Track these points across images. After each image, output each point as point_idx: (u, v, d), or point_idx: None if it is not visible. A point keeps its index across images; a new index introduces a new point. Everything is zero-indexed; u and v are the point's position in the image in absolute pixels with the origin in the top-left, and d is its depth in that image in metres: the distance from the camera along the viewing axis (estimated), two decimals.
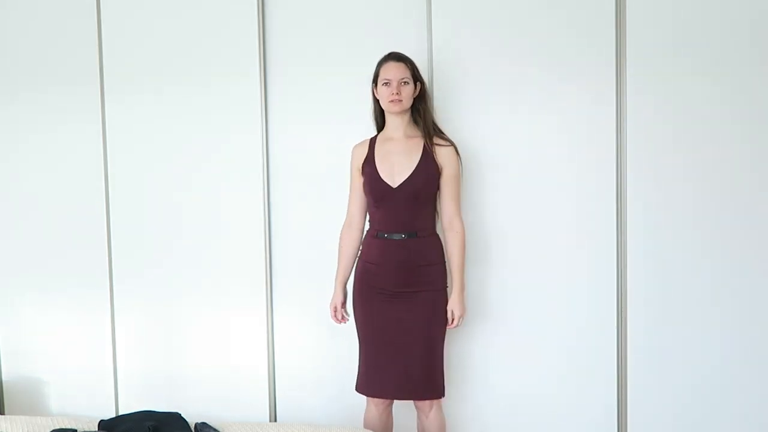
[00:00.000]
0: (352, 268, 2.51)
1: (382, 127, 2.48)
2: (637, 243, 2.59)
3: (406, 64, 2.38)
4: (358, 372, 2.47)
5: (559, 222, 2.63)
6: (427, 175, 2.37)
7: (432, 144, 2.39)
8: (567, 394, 2.67)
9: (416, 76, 2.40)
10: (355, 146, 2.50)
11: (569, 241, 2.63)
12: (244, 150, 2.79)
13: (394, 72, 2.35)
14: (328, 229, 2.74)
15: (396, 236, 2.37)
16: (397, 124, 2.42)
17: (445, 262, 2.44)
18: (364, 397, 2.48)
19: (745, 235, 2.55)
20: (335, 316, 2.54)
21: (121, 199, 2.90)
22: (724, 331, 2.58)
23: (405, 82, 2.35)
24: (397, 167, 2.37)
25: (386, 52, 2.42)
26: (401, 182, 2.35)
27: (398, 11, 2.67)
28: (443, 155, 2.39)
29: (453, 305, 2.40)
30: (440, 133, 2.44)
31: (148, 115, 2.86)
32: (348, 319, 2.54)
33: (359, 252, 2.50)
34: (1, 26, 2.94)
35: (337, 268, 2.54)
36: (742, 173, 2.54)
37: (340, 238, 2.53)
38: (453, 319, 2.40)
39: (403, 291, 2.36)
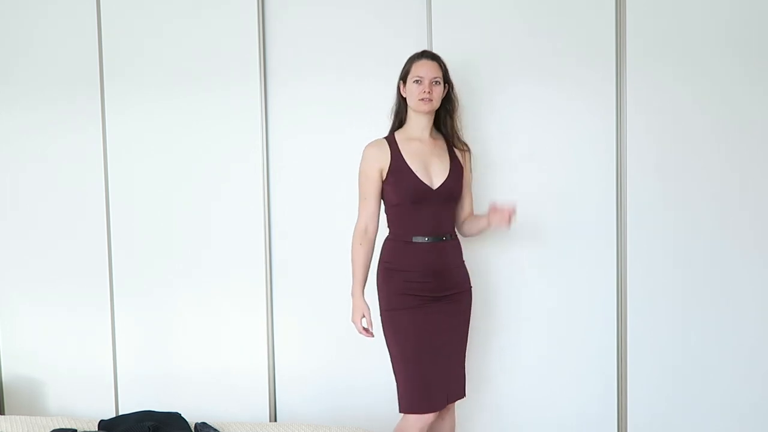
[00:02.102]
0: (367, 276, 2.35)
1: (398, 126, 2.36)
2: (637, 245, 2.60)
3: (439, 64, 2.29)
4: (403, 390, 2.25)
5: (559, 224, 2.64)
6: (459, 177, 2.32)
7: (458, 148, 2.35)
8: (567, 393, 2.68)
9: (446, 78, 2.32)
10: (370, 147, 2.31)
11: (569, 242, 2.64)
12: (245, 151, 2.79)
13: (426, 70, 2.26)
14: (327, 229, 2.75)
15: (431, 239, 2.25)
16: (424, 124, 2.31)
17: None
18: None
19: (745, 235, 2.56)
20: (365, 330, 2.32)
21: (121, 201, 2.89)
22: (723, 329, 2.59)
23: (437, 82, 2.26)
24: (432, 168, 2.27)
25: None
26: (440, 184, 2.26)
27: (398, 13, 2.67)
28: (465, 159, 2.37)
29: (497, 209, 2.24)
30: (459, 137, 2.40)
31: (148, 118, 2.85)
32: (374, 334, 2.33)
33: (385, 263, 2.31)
34: (2, 35, 2.93)
35: (355, 280, 2.32)
36: (742, 174, 2.54)
37: (355, 248, 2.32)
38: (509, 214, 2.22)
39: (443, 295, 2.27)
